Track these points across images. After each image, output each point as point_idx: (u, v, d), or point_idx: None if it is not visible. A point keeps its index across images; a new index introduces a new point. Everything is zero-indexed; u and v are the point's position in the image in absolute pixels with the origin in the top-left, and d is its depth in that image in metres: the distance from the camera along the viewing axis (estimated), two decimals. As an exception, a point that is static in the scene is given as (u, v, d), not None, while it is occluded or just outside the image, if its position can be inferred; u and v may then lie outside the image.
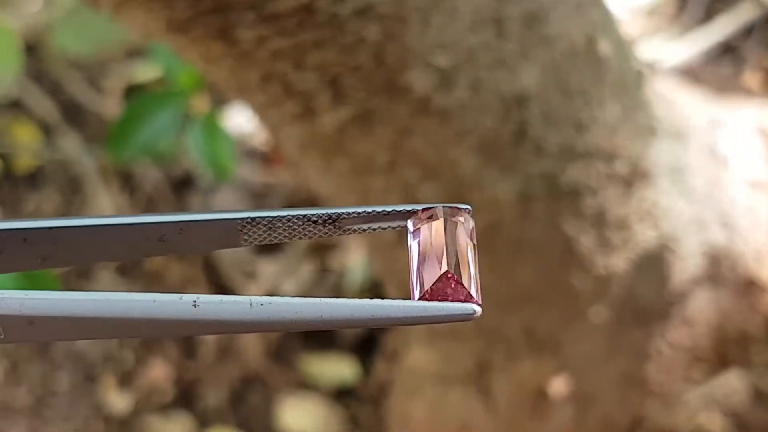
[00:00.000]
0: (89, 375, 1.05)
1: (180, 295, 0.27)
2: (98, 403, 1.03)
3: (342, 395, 1.01)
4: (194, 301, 0.27)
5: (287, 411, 1.00)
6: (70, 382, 1.04)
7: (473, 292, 0.28)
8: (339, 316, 0.27)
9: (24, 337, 0.27)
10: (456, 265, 0.28)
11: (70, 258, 0.30)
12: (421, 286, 0.28)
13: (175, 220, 0.30)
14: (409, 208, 0.30)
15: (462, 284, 0.28)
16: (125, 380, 1.04)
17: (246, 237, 0.30)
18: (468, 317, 0.28)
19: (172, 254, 0.31)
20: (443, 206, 0.30)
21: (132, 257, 0.31)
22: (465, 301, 0.28)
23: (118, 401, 1.03)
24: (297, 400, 1.01)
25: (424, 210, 0.30)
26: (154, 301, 0.27)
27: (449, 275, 0.28)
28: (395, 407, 0.90)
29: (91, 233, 0.30)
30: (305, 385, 1.01)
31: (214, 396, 1.02)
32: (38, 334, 0.27)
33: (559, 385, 0.77)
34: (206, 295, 0.27)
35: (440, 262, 0.28)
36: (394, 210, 0.30)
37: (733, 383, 0.79)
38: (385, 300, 0.27)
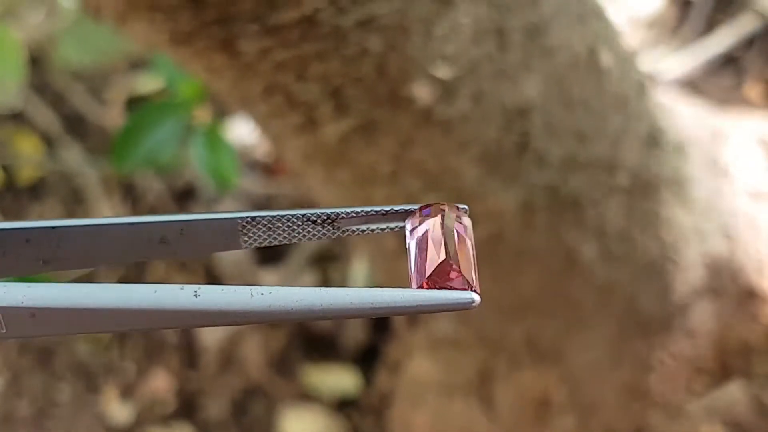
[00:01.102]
0: (91, 386, 1.05)
1: (181, 285, 0.27)
2: (100, 414, 1.03)
3: (344, 406, 1.01)
4: (195, 291, 0.27)
5: (289, 422, 1.00)
6: (72, 393, 1.04)
7: (472, 281, 0.28)
8: (338, 305, 0.27)
9: (26, 331, 0.27)
10: (455, 254, 0.28)
11: (71, 260, 0.31)
12: (420, 275, 0.28)
13: (176, 219, 0.30)
14: (407, 207, 0.30)
15: (461, 273, 0.28)
16: (127, 391, 1.04)
17: (246, 238, 0.30)
18: (467, 305, 0.28)
19: (174, 257, 0.31)
20: (440, 204, 0.30)
21: (134, 259, 0.31)
22: (464, 289, 0.28)
23: (119, 412, 1.03)
24: (299, 410, 1.00)
25: (421, 208, 0.30)
26: (156, 291, 0.27)
27: (448, 263, 0.28)
28: (398, 417, 0.90)
29: (93, 234, 0.30)
30: (307, 396, 1.01)
31: (215, 407, 1.02)
32: (40, 328, 0.27)
33: (561, 395, 0.77)
34: (207, 286, 0.27)
35: (439, 252, 0.28)
36: (392, 210, 0.30)
37: (734, 394, 0.79)
38: (384, 288, 0.28)
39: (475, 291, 0.28)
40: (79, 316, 0.27)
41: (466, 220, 0.30)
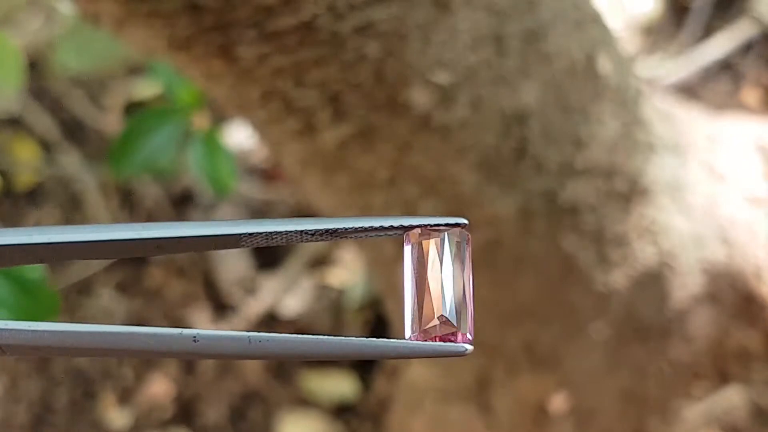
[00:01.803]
0: (88, 392, 1.05)
1: (180, 330, 0.28)
2: (98, 420, 1.03)
3: (342, 411, 1.01)
4: (194, 337, 0.28)
5: (287, 427, 1.00)
6: (70, 398, 1.04)
7: (466, 326, 0.29)
8: (334, 352, 0.29)
9: (26, 353, 0.28)
10: (451, 304, 0.29)
11: (66, 256, 0.31)
12: (416, 323, 0.29)
13: (174, 235, 0.30)
14: (405, 223, 0.30)
15: (456, 328, 0.29)
16: (125, 397, 1.04)
17: (243, 243, 0.31)
18: (459, 355, 0.29)
19: (169, 254, 0.31)
20: (439, 223, 0.30)
21: (129, 256, 0.32)
22: (458, 342, 0.29)
23: (117, 418, 1.03)
24: (297, 416, 1.00)
25: (420, 227, 0.30)
26: (155, 335, 0.28)
27: (443, 320, 0.29)
28: (395, 423, 0.90)
29: (90, 245, 0.30)
30: (305, 402, 1.01)
31: (214, 412, 1.02)
32: (40, 353, 0.28)
33: (559, 401, 0.77)
34: (206, 331, 0.28)
35: (436, 306, 0.29)
36: (391, 225, 0.31)
37: (732, 400, 0.79)
38: (379, 340, 0.29)
39: (468, 341, 0.29)
40: (79, 351, 0.28)
41: (465, 238, 0.30)
